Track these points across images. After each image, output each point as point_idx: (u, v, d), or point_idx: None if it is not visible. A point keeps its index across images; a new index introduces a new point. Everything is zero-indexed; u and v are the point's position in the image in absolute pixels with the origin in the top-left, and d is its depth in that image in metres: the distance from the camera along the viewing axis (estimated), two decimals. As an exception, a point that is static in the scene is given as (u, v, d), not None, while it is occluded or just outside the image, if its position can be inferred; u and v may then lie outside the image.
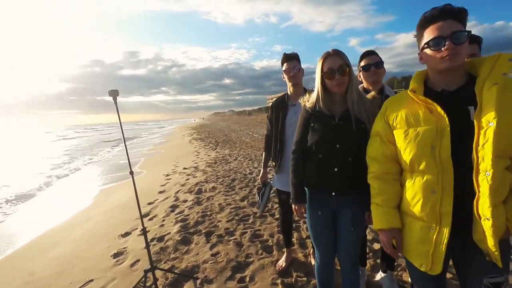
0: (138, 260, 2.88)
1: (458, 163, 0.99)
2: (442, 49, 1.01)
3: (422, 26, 1.07)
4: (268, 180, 2.53)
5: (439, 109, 1.02)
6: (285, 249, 2.59)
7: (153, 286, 2.27)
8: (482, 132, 0.94)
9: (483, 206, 0.94)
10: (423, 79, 1.15)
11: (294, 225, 3.07)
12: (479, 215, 0.97)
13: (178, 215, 4.01)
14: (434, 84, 1.11)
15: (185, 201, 4.63)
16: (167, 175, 6.97)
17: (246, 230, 3.26)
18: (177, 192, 5.23)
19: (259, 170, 6.37)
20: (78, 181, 8.02)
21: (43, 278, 2.88)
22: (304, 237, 2.96)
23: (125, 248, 3.22)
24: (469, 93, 1.00)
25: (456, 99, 1.04)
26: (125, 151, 2.26)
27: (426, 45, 1.06)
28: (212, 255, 2.77)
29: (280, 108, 2.27)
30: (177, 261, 2.74)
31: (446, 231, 1.03)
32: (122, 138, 2.15)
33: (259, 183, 2.65)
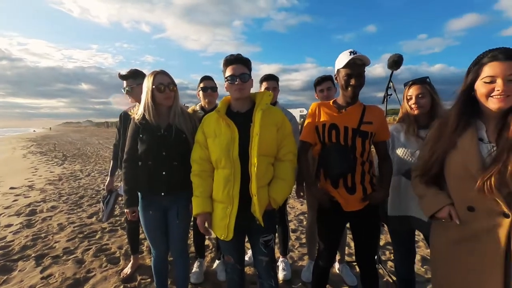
0: None
1: (244, 160, 1.46)
2: (235, 83, 1.49)
3: (224, 65, 1.54)
4: (115, 188, 2.54)
5: (232, 124, 1.48)
6: (132, 257, 2.62)
7: None
8: (253, 139, 1.44)
9: (253, 187, 1.44)
10: (228, 103, 1.62)
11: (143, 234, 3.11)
12: (251, 193, 1.46)
13: (-4, 242, 3.23)
14: (233, 107, 1.59)
15: (8, 225, 3.76)
16: (-19, 198, 5.38)
17: (90, 246, 3.04)
18: (-3, 216, 4.17)
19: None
20: None
21: None
22: (155, 244, 3.05)
23: None
24: (251, 114, 1.51)
25: (245, 118, 1.53)
26: None
27: (226, 79, 1.53)
28: (42, 278, 2.44)
29: (128, 119, 2.38)
30: (-10, 294, 2.26)
31: (235, 208, 1.47)
32: None
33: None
